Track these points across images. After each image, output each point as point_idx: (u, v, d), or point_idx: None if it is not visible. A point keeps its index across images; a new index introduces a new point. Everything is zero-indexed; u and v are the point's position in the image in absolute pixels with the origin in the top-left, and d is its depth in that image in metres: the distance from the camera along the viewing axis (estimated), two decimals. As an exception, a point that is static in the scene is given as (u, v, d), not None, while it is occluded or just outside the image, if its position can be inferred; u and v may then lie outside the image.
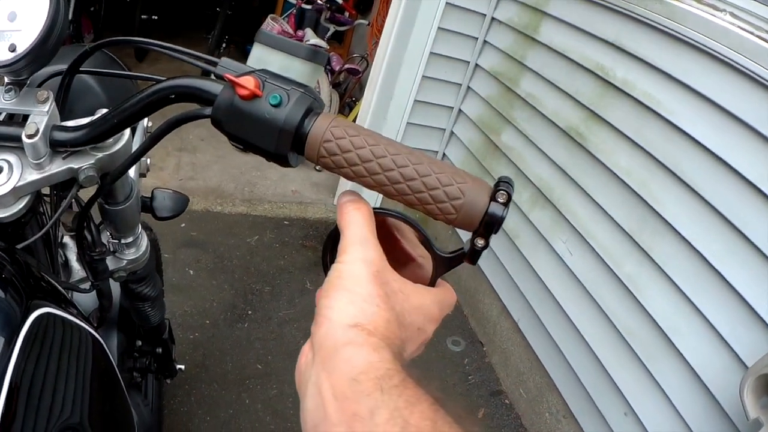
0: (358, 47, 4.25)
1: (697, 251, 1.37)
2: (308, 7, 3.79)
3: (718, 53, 1.34)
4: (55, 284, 0.58)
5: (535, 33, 2.01)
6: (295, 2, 3.96)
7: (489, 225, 0.36)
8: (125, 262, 0.77)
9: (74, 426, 0.46)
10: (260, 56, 0.42)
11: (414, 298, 0.36)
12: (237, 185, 2.80)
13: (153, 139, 0.46)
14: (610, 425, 1.57)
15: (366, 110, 2.53)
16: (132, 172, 0.69)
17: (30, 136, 0.47)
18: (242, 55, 3.82)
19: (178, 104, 0.45)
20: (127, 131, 0.53)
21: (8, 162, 0.49)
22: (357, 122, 2.64)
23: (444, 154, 2.58)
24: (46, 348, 0.46)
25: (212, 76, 0.42)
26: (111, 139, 0.52)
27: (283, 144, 0.38)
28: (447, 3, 2.18)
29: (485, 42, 2.31)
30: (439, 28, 2.23)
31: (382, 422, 0.27)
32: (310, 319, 0.33)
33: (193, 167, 2.85)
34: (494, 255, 2.11)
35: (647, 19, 1.54)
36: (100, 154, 0.51)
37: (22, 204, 0.50)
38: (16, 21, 0.49)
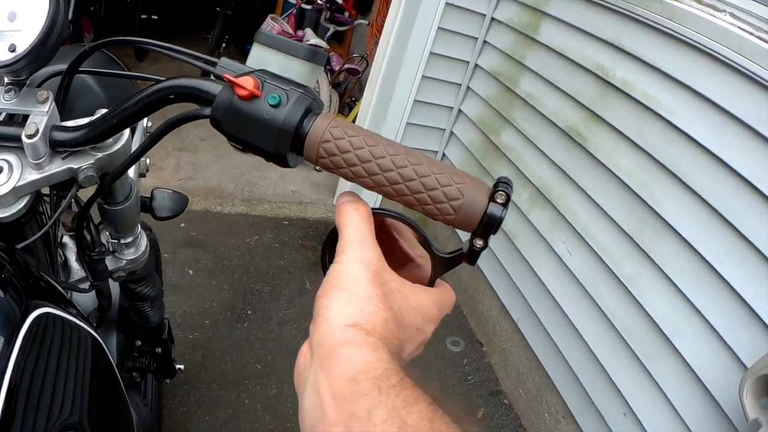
0: (357, 47, 4.25)
1: (697, 252, 1.37)
2: (308, 7, 3.79)
3: (718, 54, 1.34)
4: (55, 284, 0.58)
5: (535, 33, 2.01)
6: (295, 2, 3.96)
7: (488, 225, 0.36)
8: (124, 262, 0.77)
9: (73, 425, 0.46)
10: (259, 56, 0.42)
11: (412, 298, 0.36)
12: (237, 185, 2.80)
13: (152, 140, 0.46)
14: (609, 425, 1.57)
15: (366, 110, 2.53)
16: (131, 172, 0.69)
17: (30, 136, 0.47)
18: (242, 55, 3.82)
19: (177, 104, 0.45)
20: (127, 131, 0.53)
21: (8, 162, 0.49)
22: (357, 122, 2.64)
23: (444, 154, 2.58)
24: (45, 348, 0.46)
25: (211, 77, 0.42)
26: (110, 139, 0.52)
27: (282, 144, 0.38)
28: (447, 3, 2.18)
29: (485, 42, 2.31)
30: (438, 28, 2.23)
31: (380, 422, 0.27)
32: (310, 319, 0.33)
33: (192, 167, 2.85)
34: (493, 255, 2.11)
35: (647, 19, 1.54)
36: (100, 154, 0.51)
37: (21, 204, 0.50)
38: (16, 21, 0.49)
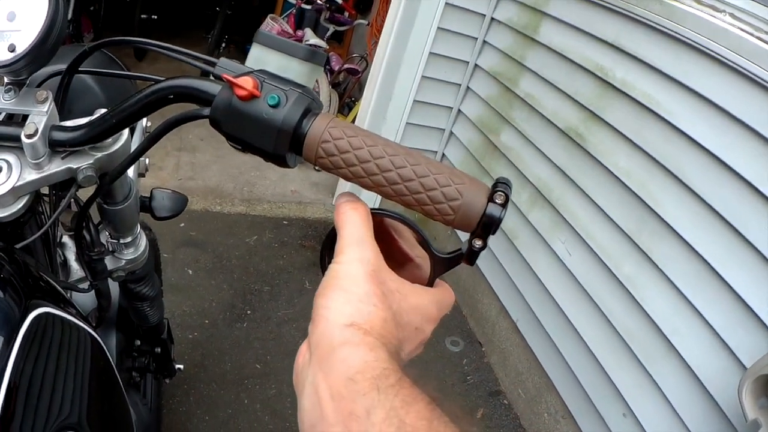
0: (357, 47, 4.25)
1: (697, 252, 1.37)
2: (308, 7, 3.79)
3: (718, 54, 1.34)
4: (54, 284, 0.58)
5: (535, 33, 2.01)
6: (294, 2, 3.97)
7: (487, 226, 0.36)
8: (124, 261, 0.77)
9: (73, 425, 0.46)
10: (259, 56, 0.42)
11: (411, 298, 0.36)
12: (236, 185, 2.80)
13: (152, 139, 0.46)
14: (608, 426, 1.57)
15: (365, 110, 2.53)
16: (131, 171, 0.70)
17: (29, 136, 0.47)
18: (242, 55, 3.81)
19: (177, 104, 0.45)
20: (126, 131, 0.53)
21: (7, 162, 0.49)
22: (356, 122, 2.64)
23: (443, 154, 2.58)
24: (44, 347, 0.46)
25: (211, 77, 0.43)
26: (110, 139, 0.52)
27: (281, 144, 0.38)
28: (446, 3, 2.18)
29: (485, 42, 2.31)
30: (438, 28, 2.23)
31: (379, 422, 0.27)
32: (309, 319, 0.33)
33: (192, 167, 2.85)
34: (493, 255, 2.11)
35: (647, 19, 1.54)
36: (99, 154, 0.51)
37: (21, 204, 0.50)
38: (16, 21, 0.49)
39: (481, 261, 2.06)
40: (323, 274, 0.36)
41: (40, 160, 0.49)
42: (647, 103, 1.54)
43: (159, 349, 1.23)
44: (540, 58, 1.99)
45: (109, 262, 0.76)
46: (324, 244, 0.41)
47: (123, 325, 1.06)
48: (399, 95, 2.36)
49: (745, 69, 1.28)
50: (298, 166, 0.43)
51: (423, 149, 2.51)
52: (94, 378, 0.52)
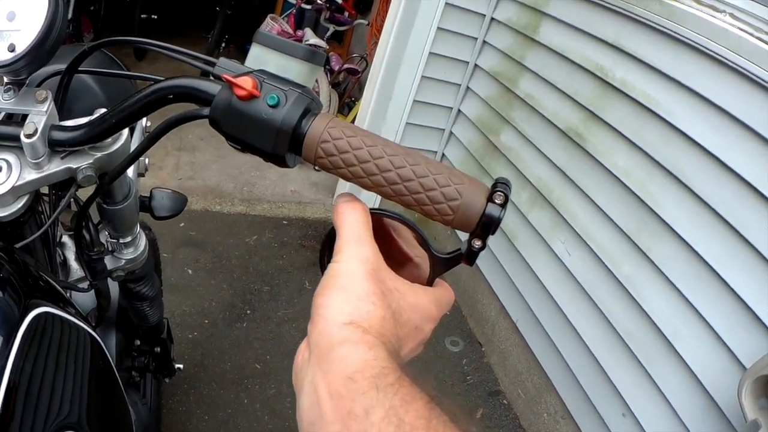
0: (357, 47, 4.25)
1: (696, 253, 1.37)
2: (308, 6, 3.79)
3: (718, 54, 1.34)
4: (54, 283, 0.58)
5: (535, 33, 2.01)
6: (294, 2, 3.97)
7: (486, 226, 0.36)
8: (124, 261, 0.77)
9: (72, 425, 0.46)
10: (258, 56, 0.42)
11: (410, 297, 0.36)
12: (236, 185, 2.80)
13: (151, 139, 0.46)
14: (608, 426, 1.57)
15: (365, 110, 2.53)
16: (130, 171, 0.70)
17: (29, 136, 0.47)
18: (242, 55, 3.81)
19: (176, 104, 0.45)
20: (126, 131, 0.53)
21: (7, 161, 0.49)
22: (356, 122, 2.64)
23: (443, 154, 2.58)
24: (44, 347, 0.46)
25: (210, 77, 0.43)
26: (109, 139, 0.52)
27: (281, 144, 0.38)
28: (446, 3, 2.18)
29: (484, 42, 2.31)
30: (438, 28, 2.23)
31: (377, 421, 0.27)
32: (308, 319, 0.33)
33: (192, 167, 2.85)
34: (493, 255, 2.11)
35: (647, 20, 1.54)
36: (99, 154, 0.52)
37: (20, 203, 0.50)
38: (15, 21, 0.49)
39: (481, 261, 2.06)
40: (323, 274, 0.36)
41: (40, 159, 0.49)
42: (647, 103, 1.54)
43: (158, 349, 1.23)
44: (540, 58, 1.99)
45: (109, 262, 0.76)
46: (323, 243, 0.41)
47: (122, 324, 1.06)
48: (399, 95, 2.36)
49: (745, 69, 1.28)
50: (298, 166, 0.43)
51: (423, 149, 2.52)
52: (94, 377, 0.52)
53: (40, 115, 0.49)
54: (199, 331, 1.90)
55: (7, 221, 0.50)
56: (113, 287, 0.97)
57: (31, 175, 0.49)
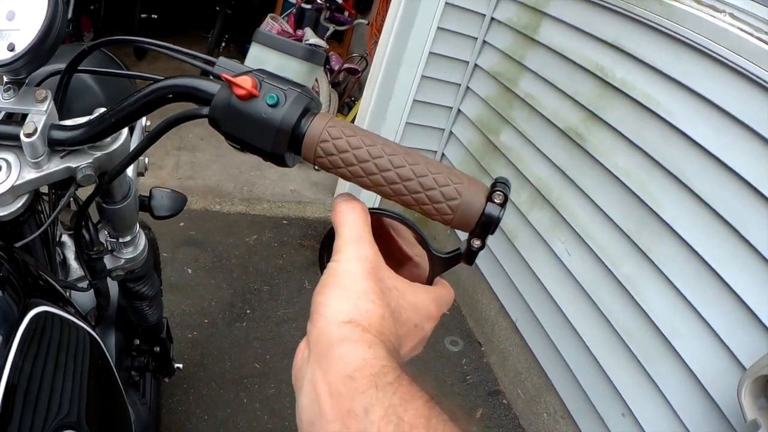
0: (357, 47, 4.25)
1: (696, 253, 1.37)
2: (308, 6, 3.79)
3: (718, 54, 1.34)
4: (53, 283, 0.58)
5: (535, 33, 2.01)
6: (294, 1, 3.96)
7: (485, 225, 0.36)
8: (123, 260, 0.78)
9: (71, 424, 0.46)
10: (258, 56, 0.42)
11: (410, 295, 0.36)
12: (236, 184, 2.80)
13: (151, 139, 0.46)
14: (608, 426, 1.57)
15: (365, 110, 2.53)
16: (130, 171, 0.70)
17: (28, 135, 0.47)
18: (242, 55, 3.81)
19: (176, 103, 0.45)
20: (125, 130, 0.53)
21: (6, 161, 0.49)
22: (356, 122, 2.64)
23: (443, 154, 2.58)
24: (43, 346, 0.46)
25: (210, 76, 0.43)
26: (109, 138, 0.52)
27: (280, 144, 0.38)
28: (446, 3, 2.18)
29: (484, 42, 2.31)
30: (438, 27, 2.23)
31: (377, 419, 0.27)
32: (308, 319, 0.33)
33: (192, 166, 2.85)
34: (493, 255, 2.11)
35: (647, 20, 1.54)
36: (98, 153, 0.52)
37: (20, 203, 0.50)
38: (15, 20, 0.49)
39: (481, 261, 2.06)
40: (322, 273, 0.36)
41: (39, 159, 0.49)
42: (647, 103, 1.54)
43: (158, 348, 1.23)
44: (540, 58, 1.99)
45: (108, 261, 0.76)
46: (323, 243, 0.41)
47: (122, 324, 1.06)
48: (399, 95, 2.36)
49: (745, 69, 1.28)
50: (298, 166, 0.43)
51: (422, 149, 2.52)
52: (93, 377, 0.52)
53: (39, 114, 0.49)
54: (198, 330, 1.90)
55: (7, 220, 0.50)
56: (113, 287, 0.97)
57: (30, 175, 0.49)
